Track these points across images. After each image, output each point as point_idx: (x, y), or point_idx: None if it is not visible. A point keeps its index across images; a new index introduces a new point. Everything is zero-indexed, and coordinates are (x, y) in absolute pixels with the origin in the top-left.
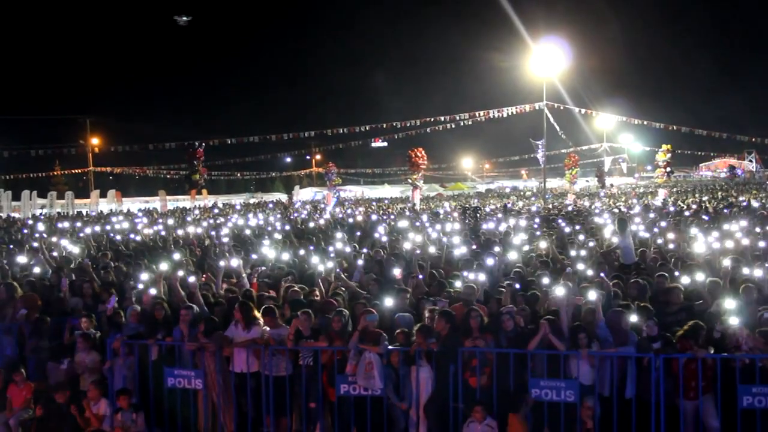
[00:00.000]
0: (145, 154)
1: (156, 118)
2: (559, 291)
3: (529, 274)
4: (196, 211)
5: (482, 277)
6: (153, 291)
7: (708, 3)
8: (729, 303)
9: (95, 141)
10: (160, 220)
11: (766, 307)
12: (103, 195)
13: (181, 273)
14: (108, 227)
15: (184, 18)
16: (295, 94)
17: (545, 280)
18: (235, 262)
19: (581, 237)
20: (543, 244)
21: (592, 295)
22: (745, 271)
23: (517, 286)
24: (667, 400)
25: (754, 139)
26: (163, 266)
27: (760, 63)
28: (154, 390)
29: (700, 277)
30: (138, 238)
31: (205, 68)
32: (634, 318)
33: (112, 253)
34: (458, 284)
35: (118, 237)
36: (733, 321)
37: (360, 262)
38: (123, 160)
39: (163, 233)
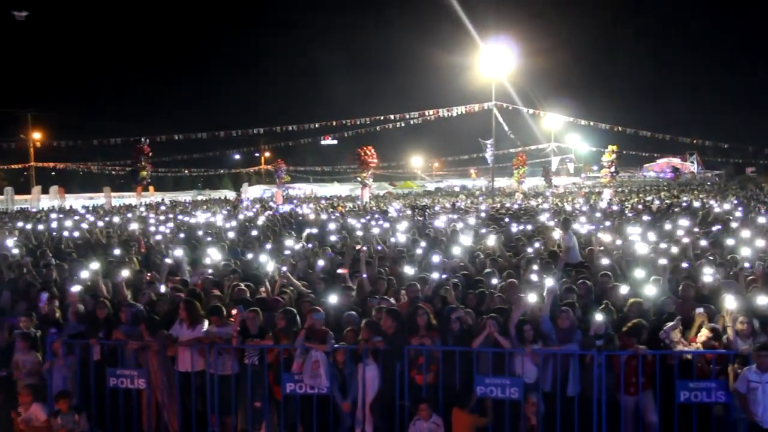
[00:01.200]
0: (90, 149)
1: (101, 114)
2: (531, 298)
3: (476, 272)
4: (142, 208)
5: (434, 275)
6: (75, 289)
7: (654, 6)
8: (651, 296)
9: (37, 136)
10: (105, 218)
11: (704, 305)
12: (45, 191)
13: (125, 272)
14: (54, 224)
15: (24, 13)
16: (245, 91)
17: (494, 280)
18: (180, 260)
19: (528, 236)
20: (490, 243)
21: (532, 297)
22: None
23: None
24: (609, 396)
25: (695, 141)
26: (104, 265)
27: (704, 66)
28: (96, 391)
29: (640, 275)
30: (77, 234)
31: (152, 63)
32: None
33: (53, 251)
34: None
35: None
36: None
37: (321, 262)
38: (66, 156)
39: (103, 230)
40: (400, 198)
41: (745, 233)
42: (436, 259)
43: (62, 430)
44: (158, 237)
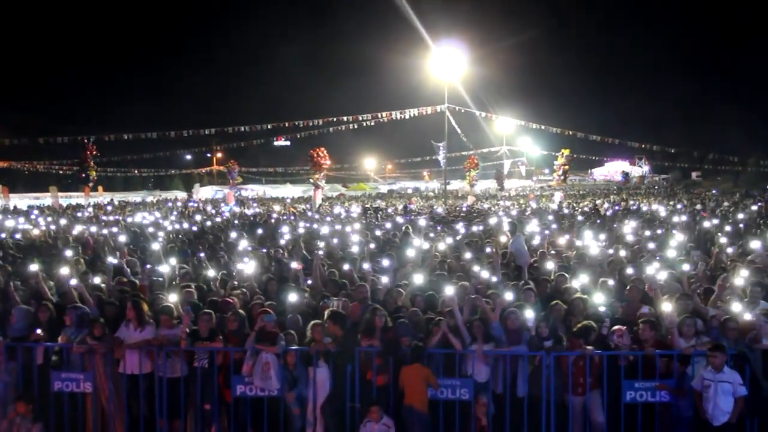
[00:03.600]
0: (36, 148)
1: (48, 111)
2: (449, 291)
3: (427, 274)
4: (90, 209)
5: (384, 279)
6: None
7: (603, 11)
8: (598, 298)
9: None
10: (49, 218)
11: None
12: None
13: (65, 272)
14: None
15: None
16: (196, 91)
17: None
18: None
19: (478, 239)
20: (441, 246)
21: (508, 296)
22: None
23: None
24: (557, 396)
25: (644, 146)
26: (49, 266)
27: (653, 73)
28: (39, 395)
29: (586, 277)
30: (18, 236)
31: (101, 60)
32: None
33: None
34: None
35: (3, 235)
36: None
37: (295, 264)
38: (11, 154)
39: (49, 231)
40: (353, 200)
41: (687, 236)
42: (386, 262)
43: None
44: (105, 238)
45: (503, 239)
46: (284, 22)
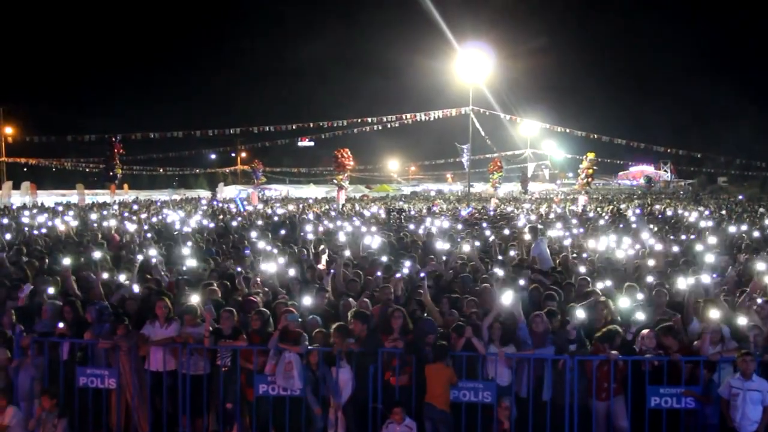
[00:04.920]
0: (63, 145)
1: (76, 109)
2: (507, 298)
3: (451, 277)
4: (116, 206)
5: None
6: (51, 289)
7: (630, 16)
8: (623, 302)
9: (9, 130)
10: (71, 214)
11: (673, 313)
12: (16, 187)
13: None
14: (27, 220)
15: None
16: (222, 91)
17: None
18: (154, 258)
19: (504, 241)
20: (466, 248)
21: (507, 299)
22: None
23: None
24: (581, 400)
25: (669, 150)
26: (75, 262)
27: (679, 77)
28: (64, 391)
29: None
30: (44, 231)
31: (130, 60)
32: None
33: (24, 248)
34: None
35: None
36: (639, 317)
37: (319, 266)
38: (39, 152)
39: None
40: (377, 201)
41: (715, 242)
42: (407, 263)
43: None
44: (131, 235)
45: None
46: (310, 24)
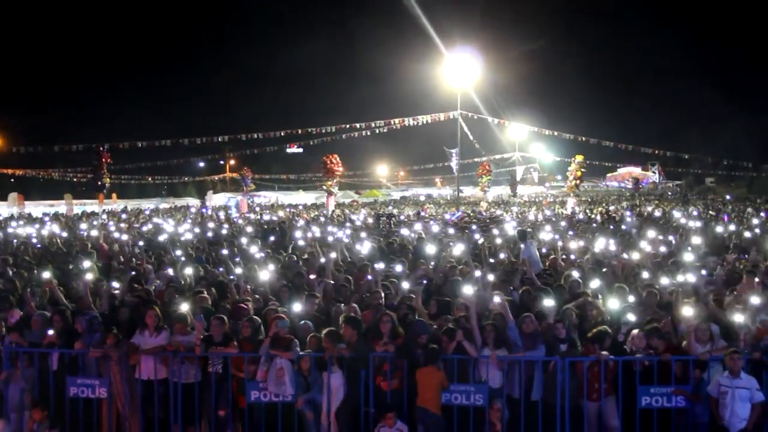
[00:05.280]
0: (51, 155)
1: (63, 119)
2: (468, 290)
3: (440, 279)
4: (104, 216)
5: (404, 285)
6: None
7: (618, 20)
8: (612, 304)
9: None
10: (56, 224)
11: (663, 314)
12: (3, 198)
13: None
14: (14, 230)
15: None
16: (209, 99)
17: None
18: (143, 266)
19: (493, 245)
20: (456, 251)
21: (497, 298)
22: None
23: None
24: (572, 401)
25: (657, 152)
26: (64, 273)
27: (666, 79)
28: (55, 401)
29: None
30: (35, 242)
31: (116, 69)
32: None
33: (11, 259)
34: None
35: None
36: (629, 318)
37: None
38: (26, 162)
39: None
40: (366, 206)
41: (702, 242)
42: (398, 267)
43: None
44: (120, 244)
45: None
46: (298, 31)
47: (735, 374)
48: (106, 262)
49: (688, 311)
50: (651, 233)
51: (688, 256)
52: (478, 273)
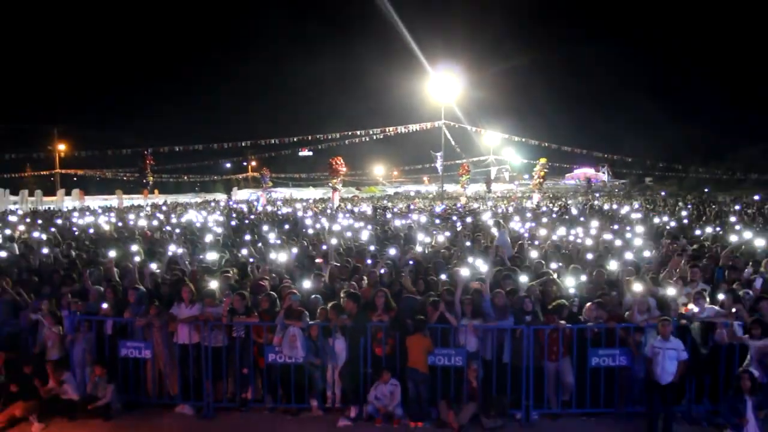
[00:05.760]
0: (105, 158)
1: (115, 127)
2: (464, 272)
3: (427, 262)
4: (148, 208)
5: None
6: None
7: (577, 44)
8: (569, 281)
9: (62, 147)
10: (112, 215)
11: (609, 289)
12: (68, 193)
13: (137, 259)
14: (76, 220)
15: None
16: (234, 110)
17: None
18: (180, 250)
19: (470, 233)
20: (440, 239)
21: (465, 272)
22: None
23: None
24: (535, 362)
25: (606, 155)
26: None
27: (612, 93)
28: (110, 360)
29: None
30: (92, 230)
31: (157, 82)
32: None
33: (74, 243)
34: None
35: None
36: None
37: (294, 250)
38: (85, 163)
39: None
40: (365, 200)
41: (643, 230)
42: (392, 251)
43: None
44: (161, 232)
45: (495, 233)
46: (309, 51)
47: (665, 337)
48: (149, 247)
49: (637, 287)
50: (595, 222)
51: (634, 241)
52: (470, 258)
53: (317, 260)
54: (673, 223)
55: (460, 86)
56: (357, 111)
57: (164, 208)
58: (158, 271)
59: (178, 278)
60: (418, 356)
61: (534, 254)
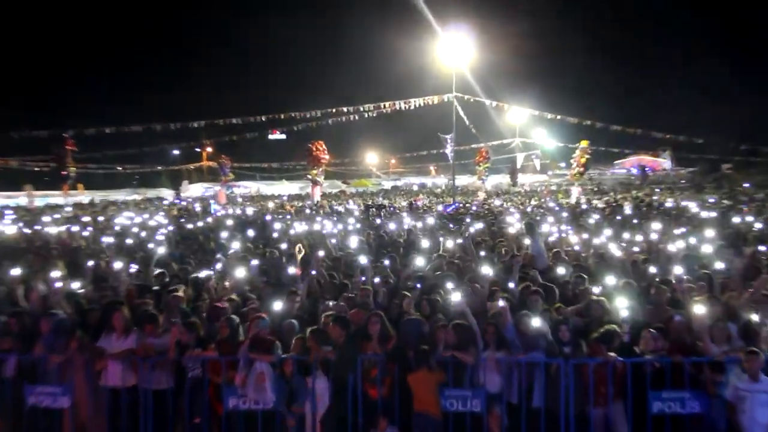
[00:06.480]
0: (8, 142)
1: (22, 104)
2: (456, 297)
3: (433, 277)
4: (69, 209)
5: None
6: None
7: None
8: (620, 302)
9: None
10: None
11: (676, 311)
12: None
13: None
14: None
15: None
16: (184, 81)
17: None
18: (117, 265)
19: (490, 239)
20: (449, 245)
21: (501, 301)
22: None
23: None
24: (577, 407)
25: (669, 136)
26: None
27: (677, 57)
28: (12, 411)
29: (612, 279)
30: None
31: (80, 49)
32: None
33: None
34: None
35: None
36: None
37: (292, 269)
38: None
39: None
40: (354, 197)
41: (719, 235)
42: (386, 262)
43: None
44: (86, 240)
45: (526, 242)
46: (279, 5)
47: (754, 377)
48: (70, 260)
49: (699, 309)
50: (655, 225)
51: (703, 249)
52: (489, 271)
53: (292, 271)
54: (759, 225)
55: (475, 48)
56: (343, 82)
57: (91, 208)
58: (81, 291)
59: (109, 300)
60: (426, 396)
61: (563, 270)
